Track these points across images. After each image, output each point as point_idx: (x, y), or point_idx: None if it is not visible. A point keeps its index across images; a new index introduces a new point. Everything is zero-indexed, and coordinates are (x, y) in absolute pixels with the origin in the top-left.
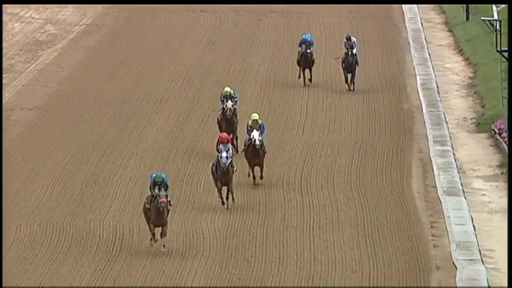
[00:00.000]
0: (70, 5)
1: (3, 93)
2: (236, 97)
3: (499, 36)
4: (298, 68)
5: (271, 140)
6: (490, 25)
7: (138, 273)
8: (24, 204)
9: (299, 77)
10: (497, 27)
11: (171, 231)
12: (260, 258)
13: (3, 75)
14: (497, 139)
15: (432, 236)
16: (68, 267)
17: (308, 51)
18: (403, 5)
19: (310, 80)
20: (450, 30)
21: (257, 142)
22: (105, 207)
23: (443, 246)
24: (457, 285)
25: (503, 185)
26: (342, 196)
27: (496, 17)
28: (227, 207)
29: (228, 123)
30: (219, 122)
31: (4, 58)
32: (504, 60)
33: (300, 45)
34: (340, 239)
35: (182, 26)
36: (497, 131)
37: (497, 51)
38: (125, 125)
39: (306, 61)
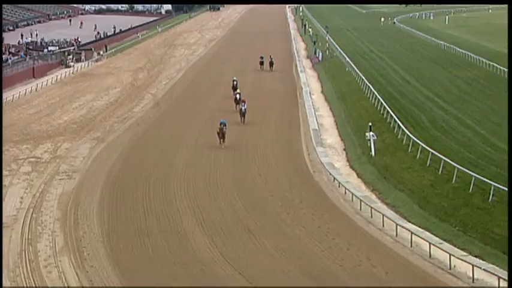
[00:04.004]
0: None
1: None
2: (237, 81)
3: (310, 36)
4: (259, 65)
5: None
6: (310, 34)
7: None
8: None
9: (260, 68)
10: (311, 33)
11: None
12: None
13: None
14: (312, 60)
15: (297, 72)
16: None
17: (262, 59)
18: (289, 22)
19: (263, 67)
20: (301, 35)
21: (237, 96)
22: None
23: (299, 80)
24: (300, 75)
25: (313, 72)
26: (279, 71)
27: (311, 32)
28: (242, 122)
29: (235, 91)
30: (232, 89)
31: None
32: (312, 39)
33: (260, 58)
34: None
35: None
36: (312, 58)
37: (312, 41)
38: None
39: (261, 61)
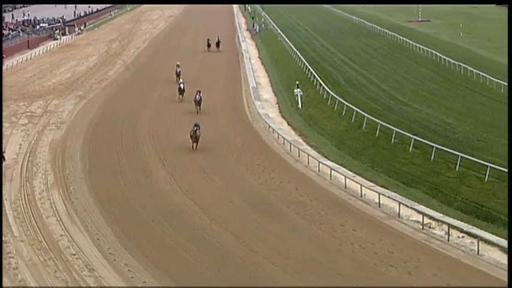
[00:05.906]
0: None
1: None
2: (180, 66)
3: (249, 13)
4: (206, 47)
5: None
6: (249, 11)
7: None
8: None
9: (207, 50)
10: (249, 10)
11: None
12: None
13: None
14: (250, 32)
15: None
16: None
17: (209, 42)
18: (235, 17)
19: (210, 49)
20: (242, 13)
21: (181, 86)
22: None
23: (240, 48)
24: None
25: (251, 41)
26: (224, 42)
27: (250, 9)
28: (197, 113)
29: (179, 78)
30: (175, 75)
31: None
32: (250, 17)
33: (207, 41)
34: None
35: None
36: (250, 31)
37: (251, 17)
38: None
39: (208, 44)
